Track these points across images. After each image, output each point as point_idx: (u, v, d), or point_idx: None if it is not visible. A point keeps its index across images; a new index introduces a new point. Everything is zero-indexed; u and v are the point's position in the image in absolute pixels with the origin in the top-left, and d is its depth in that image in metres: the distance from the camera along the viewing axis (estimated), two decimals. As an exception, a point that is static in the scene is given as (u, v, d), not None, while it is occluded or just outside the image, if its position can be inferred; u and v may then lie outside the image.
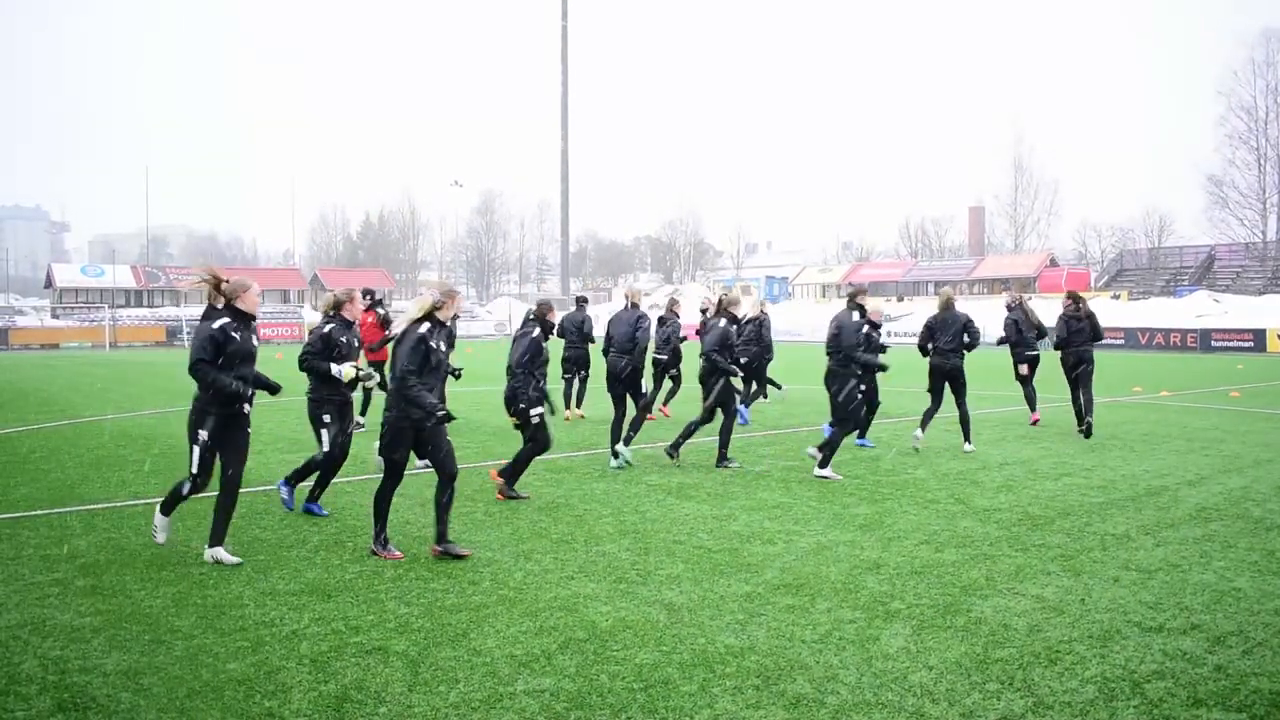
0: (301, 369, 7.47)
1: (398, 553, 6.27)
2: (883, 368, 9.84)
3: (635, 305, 10.60)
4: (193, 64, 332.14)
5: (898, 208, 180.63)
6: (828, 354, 9.53)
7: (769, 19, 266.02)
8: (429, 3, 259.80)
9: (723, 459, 9.73)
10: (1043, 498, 8.22)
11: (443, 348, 6.31)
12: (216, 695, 4.06)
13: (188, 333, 54.27)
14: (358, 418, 12.30)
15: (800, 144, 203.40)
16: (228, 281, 6.24)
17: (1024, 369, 12.86)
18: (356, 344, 7.65)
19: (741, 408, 13.62)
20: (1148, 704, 3.96)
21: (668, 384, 14.28)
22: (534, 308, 8.39)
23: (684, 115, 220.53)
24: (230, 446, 6.11)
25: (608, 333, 10.74)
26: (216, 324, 6.03)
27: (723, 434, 9.76)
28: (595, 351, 13.08)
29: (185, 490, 6.14)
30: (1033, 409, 13.10)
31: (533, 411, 7.93)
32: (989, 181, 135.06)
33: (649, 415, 13.35)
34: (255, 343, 6.26)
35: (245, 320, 6.18)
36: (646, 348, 10.27)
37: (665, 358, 13.46)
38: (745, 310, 12.20)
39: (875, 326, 10.00)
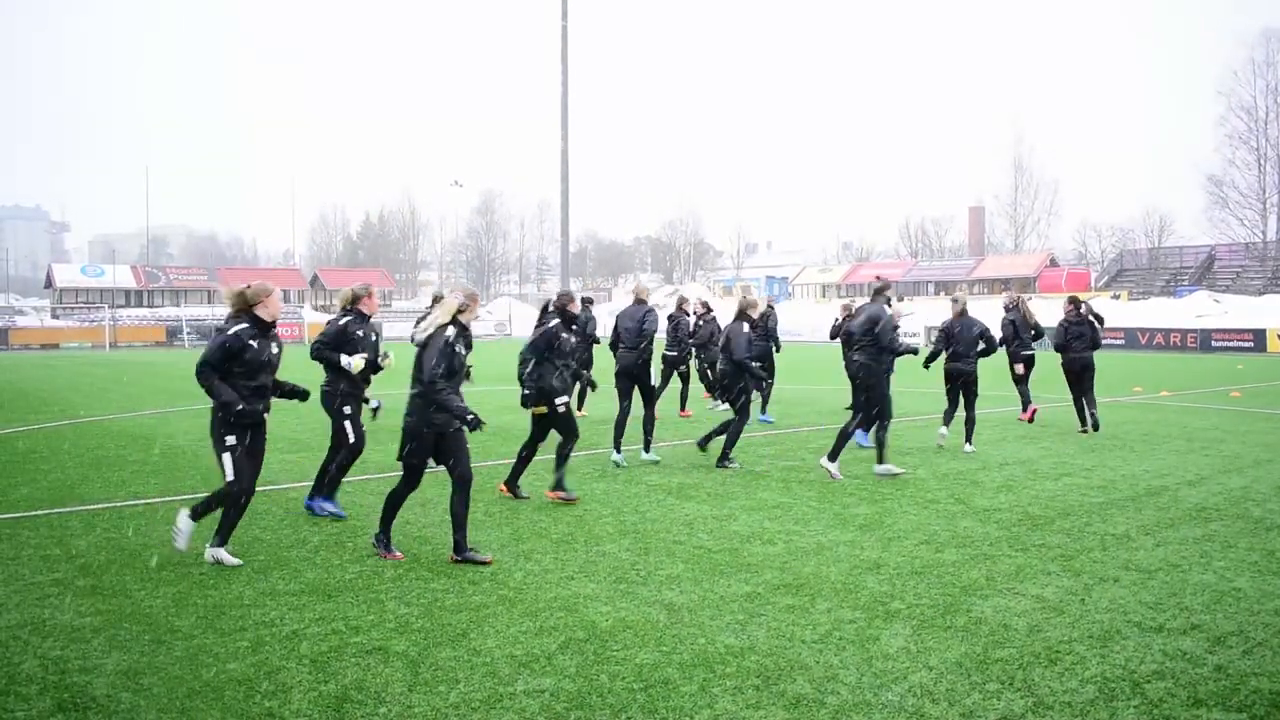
0: (313, 358, 7.50)
1: (398, 554, 6.27)
2: (914, 351, 9.85)
3: (642, 301, 10.62)
4: (193, 64, 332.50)
5: (898, 208, 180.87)
6: (855, 347, 9.44)
7: (769, 19, 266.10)
8: (429, 3, 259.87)
9: (725, 458, 9.74)
10: (1043, 498, 8.22)
11: (464, 351, 6.30)
12: (216, 695, 4.06)
13: (188, 333, 54.30)
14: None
15: (800, 144, 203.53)
16: (249, 287, 6.17)
17: (1020, 369, 12.90)
18: (374, 338, 7.69)
19: (763, 415, 13.72)
20: (1148, 704, 3.96)
21: (677, 383, 14.41)
22: (554, 299, 8.38)
23: (684, 115, 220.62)
24: (250, 450, 6.08)
25: (616, 329, 10.71)
26: (232, 330, 5.97)
27: (730, 434, 9.78)
28: (596, 352, 13.09)
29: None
30: (1024, 407, 13.17)
31: (559, 401, 7.91)
32: (989, 181, 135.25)
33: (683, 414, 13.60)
34: (275, 350, 6.17)
35: (265, 328, 6.11)
36: (653, 338, 10.31)
37: (675, 354, 13.64)
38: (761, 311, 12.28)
39: (894, 328, 10.07)
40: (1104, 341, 13.64)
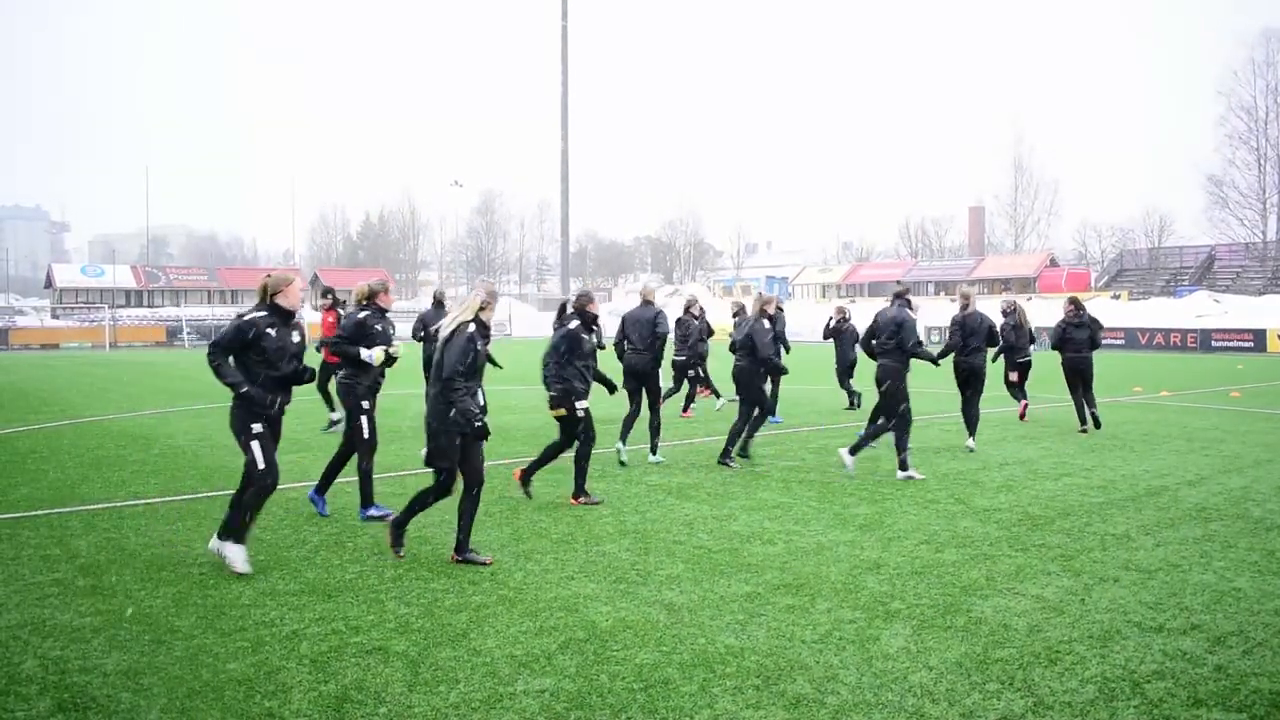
0: (333, 352, 7.51)
1: (401, 552, 6.26)
2: (936, 362, 9.79)
3: (650, 303, 10.61)
4: (193, 64, 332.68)
5: (898, 208, 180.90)
6: (880, 351, 9.40)
7: (769, 19, 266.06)
8: (429, 3, 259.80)
9: (726, 455, 9.75)
10: (1043, 498, 8.22)
11: (483, 349, 6.28)
12: (216, 695, 4.06)
13: (188, 333, 54.30)
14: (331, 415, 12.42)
15: (800, 144, 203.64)
16: (269, 276, 6.13)
17: (1014, 375, 12.85)
18: (391, 331, 7.75)
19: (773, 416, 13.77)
20: (1148, 704, 3.96)
21: (685, 385, 14.47)
22: (572, 299, 8.37)
23: (684, 115, 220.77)
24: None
25: (623, 331, 10.62)
26: (249, 316, 5.91)
27: (733, 433, 9.80)
28: (600, 353, 13.10)
29: (267, 489, 5.90)
30: (1020, 401, 13.21)
31: (579, 404, 7.90)
32: (989, 181, 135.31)
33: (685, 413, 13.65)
34: (296, 339, 6.12)
35: (285, 316, 6.05)
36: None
37: (684, 358, 13.72)
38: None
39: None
40: (1104, 342, 13.71)
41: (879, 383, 9.38)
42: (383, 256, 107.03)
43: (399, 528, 6.29)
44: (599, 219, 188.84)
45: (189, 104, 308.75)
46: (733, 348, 9.92)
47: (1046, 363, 13.56)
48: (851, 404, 15.61)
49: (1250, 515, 7.52)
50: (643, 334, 10.22)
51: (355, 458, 7.47)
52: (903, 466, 9.09)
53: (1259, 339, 39.03)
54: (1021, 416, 12.98)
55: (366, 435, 7.42)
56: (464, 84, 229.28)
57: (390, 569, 6.00)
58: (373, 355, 7.35)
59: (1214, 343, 40.29)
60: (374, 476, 7.56)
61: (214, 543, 6.03)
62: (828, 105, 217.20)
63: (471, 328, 6.11)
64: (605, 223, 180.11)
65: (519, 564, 6.13)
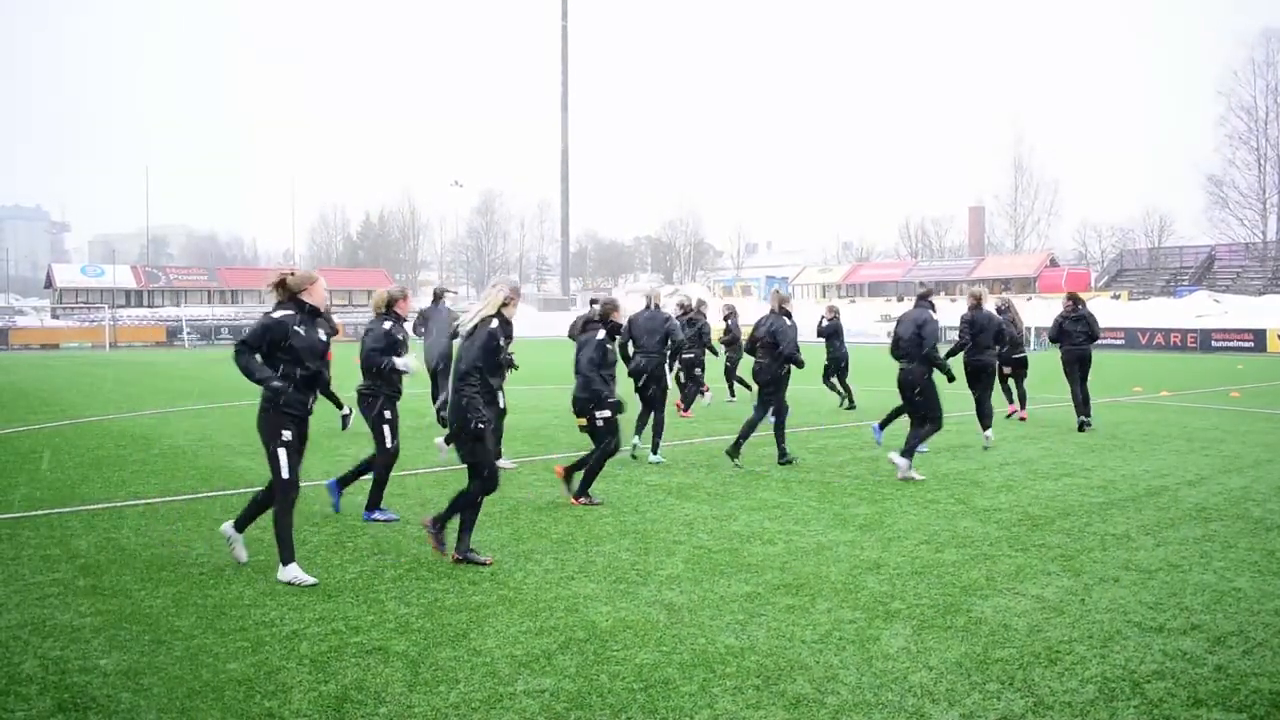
0: (367, 365, 7.44)
1: (443, 547, 6.15)
2: (951, 377, 9.52)
3: (657, 306, 10.61)
4: (193, 64, 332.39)
5: (898, 208, 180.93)
6: (902, 354, 9.35)
7: (769, 19, 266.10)
8: (429, 3, 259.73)
9: (736, 448, 9.79)
10: (1043, 498, 8.22)
11: (506, 345, 6.23)
12: (216, 695, 4.06)
13: (188, 333, 54.31)
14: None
15: (800, 144, 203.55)
16: (293, 274, 5.93)
17: (1006, 369, 13.01)
18: (407, 339, 7.82)
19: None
20: (1148, 704, 3.96)
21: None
22: (597, 307, 8.38)
23: (684, 115, 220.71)
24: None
25: (630, 335, 10.46)
26: (277, 314, 5.74)
27: (747, 428, 9.84)
28: None
29: (291, 502, 5.72)
30: (1021, 405, 13.42)
31: (599, 414, 7.89)
32: (989, 181, 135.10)
33: (687, 413, 14.03)
34: (323, 337, 5.93)
35: (311, 314, 5.89)
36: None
37: (693, 355, 14.01)
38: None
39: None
40: (1104, 341, 13.83)
41: (910, 388, 9.28)
42: (383, 256, 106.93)
43: (438, 525, 6.16)
44: (599, 219, 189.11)
45: (189, 104, 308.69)
46: (750, 348, 10.02)
47: (1046, 362, 13.58)
48: (846, 403, 15.79)
49: (1250, 515, 7.52)
50: (653, 337, 10.25)
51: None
52: (905, 454, 9.08)
53: (1259, 339, 39.02)
54: (1008, 415, 13.16)
55: (389, 445, 7.42)
56: (464, 84, 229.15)
57: (390, 569, 6.01)
58: (409, 364, 7.40)
59: (1214, 343, 40.27)
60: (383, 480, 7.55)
61: (240, 551, 6.01)
62: (827, 105, 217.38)
63: (494, 323, 6.08)
64: (605, 223, 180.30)
65: (519, 564, 6.13)
